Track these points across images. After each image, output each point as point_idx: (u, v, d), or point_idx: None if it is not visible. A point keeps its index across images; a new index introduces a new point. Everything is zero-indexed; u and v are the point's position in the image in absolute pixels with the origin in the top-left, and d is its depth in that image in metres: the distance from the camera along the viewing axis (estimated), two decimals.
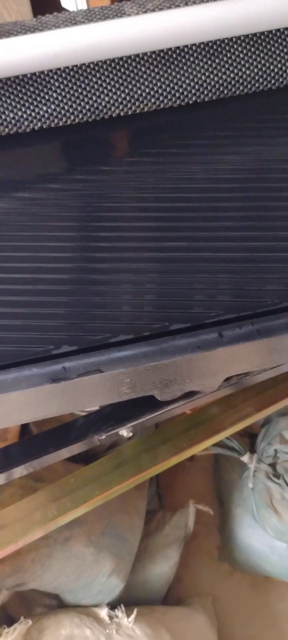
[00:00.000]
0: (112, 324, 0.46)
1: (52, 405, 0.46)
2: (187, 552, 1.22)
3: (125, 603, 1.06)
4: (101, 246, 0.51)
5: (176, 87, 0.61)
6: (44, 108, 0.61)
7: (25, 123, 0.61)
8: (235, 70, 0.61)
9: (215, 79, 0.61)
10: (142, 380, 0.46)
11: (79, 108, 0.61)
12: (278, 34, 0.60)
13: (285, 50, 0.61)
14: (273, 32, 0.59)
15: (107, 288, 0.48)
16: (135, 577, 1.12)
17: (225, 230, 0.51)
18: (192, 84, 0.61)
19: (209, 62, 0.61)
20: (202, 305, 0.46)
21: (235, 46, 0.61)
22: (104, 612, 1.02)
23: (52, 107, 0.61)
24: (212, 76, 0.61)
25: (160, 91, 0.61)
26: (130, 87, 0.61)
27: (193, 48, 0.60)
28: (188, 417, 0.85)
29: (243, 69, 0.61)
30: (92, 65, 0.60)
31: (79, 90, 0.61)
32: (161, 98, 0.62)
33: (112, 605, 1.05)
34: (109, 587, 1.03)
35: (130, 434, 0.68)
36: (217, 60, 0.61)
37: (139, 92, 0.61)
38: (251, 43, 0.61)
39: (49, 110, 0.61)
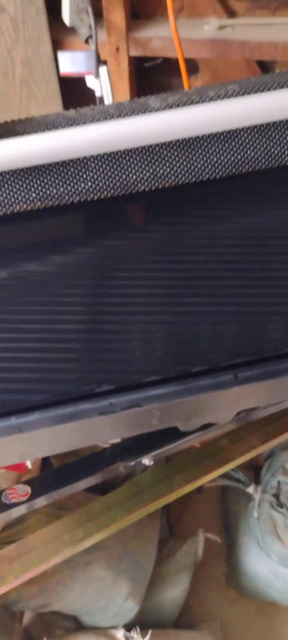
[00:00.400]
0: (142, 367, 0.57)
1: (94, 435, 0.56)
2: (195, 579, 1.29)
3: (139, 626, 1.13)
4: (119, 300, 0.62)
5: (193, 167, 0.73)
6: (83, 185, 0.73)
7: (66, 197, 0.73)
8: (242, 152, 0.73)
9: (226, 159, 0.73)
10: (169, 413, 0.56)
11: (111, 184, 0.73)
12: (276, 124, 0.72)
13: (283, 135, 0.73)
14: (272, 123, 0.71)
15: (137, 336, 0.59)
16: (148, 602, 1.19)
17: (234, 288, 0.62)
18: (205, 164, 0.73)
19: (220, 146, 0.73)
20: (218, 351, 0.57)
21: (242, 133, 0.73)
22: (120, 634, 1.09)
23: (89, 184, 0.73)
24: (223, 157, 0.73)
25: (179, 170, 0.73)
26: (154, 167, 0.73)
27: (207, 135, 0.72)
28: (200, 448, 0.95)
29: (249, 151, 0.73)
30: (123, 150, 0.72)
31: (112, 170, 0.73)
32: (179, 176, 0.74)
33: (127, 628, 1.12)
34: (125, 609, 1.11)
35: (152, 462, 0.78)
36: (227, 145, 0.73)
37: (161, 171, 0.73)
38: (255, 130, 0.73)
39: (86, 187, 0.73)
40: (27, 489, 0.73)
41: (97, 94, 1.07)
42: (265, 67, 1.22)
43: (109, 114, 0.72)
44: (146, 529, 1.23)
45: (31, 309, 0.62)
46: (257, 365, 0.52)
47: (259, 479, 1.32)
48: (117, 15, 1.08)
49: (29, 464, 0.84)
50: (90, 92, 1.10)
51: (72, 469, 0.80)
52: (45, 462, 1.18)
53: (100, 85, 1.05)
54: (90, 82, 1.08)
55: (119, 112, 0.72)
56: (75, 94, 1.25)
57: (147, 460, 0.76)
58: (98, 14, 1.12)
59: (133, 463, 0.68)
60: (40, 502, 0.79)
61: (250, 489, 1.30)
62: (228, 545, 1.39)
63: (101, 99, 1.08)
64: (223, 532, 1.42)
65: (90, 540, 0.87)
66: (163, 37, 1.10)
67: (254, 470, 1.39)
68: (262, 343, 0.57)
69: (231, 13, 1.13)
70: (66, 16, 1.04)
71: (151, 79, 1.28)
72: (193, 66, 1.24)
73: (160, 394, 0.52)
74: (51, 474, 0.80)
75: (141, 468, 0.99)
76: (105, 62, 1.15)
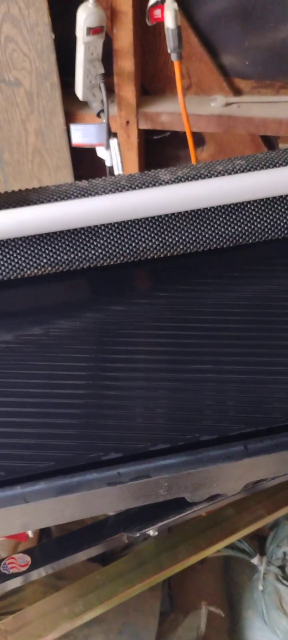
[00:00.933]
0: (150, 434, 0.56)
1: (99, 506, 0.55)
2: None
3: None
4: (126, 366, 0.62)
5: (200, 237, 0.75)
6: (93, 252, 0.74)
7: (77, 263, 0.74)
8: (249, 224, 0.75)
9: (233, 230, 0.75)
10: (177, 484, 0.56)
11: (120, 252, 0.75)
12: (282, 197, 0.75)
13: (284, 210, 0.76)
14: (278, 196, 0.74)
15: (144, 403, 0.59)
16: None
17: (242, 356, 0.63)
18: (213, 234, 0.75)
19: (228, 218, 0.75)
20: (226, 420, 0.57)
21: (249, 205, 0.75)
22: None
23: (99, 251, 0.74)
24: (230, 228, 0.75)
25: (187, 240, 0.75)
26: (163, 236, 0.75)
27: (215, 207, 0.75)
28: (204, 518, 0.93)
29: (256, 223, 0.75)
30: (132, 220, 0.74)
31: (122, 238, 0.74)
32: (188, 245, 0.75)
33: None
34: None
35: (156, 533, 0.76)
36: (233, 216, 0.75)
37: (169, 240, 0.75)
38: (261, 203, 0.75)
39: (96, 254, 0.74)
40: (27, 559, 0.71)
41: (108, 163, 1.12)
42: (269, 141, 1.27)
43: (120, 186, 0.75)
44: (147, 600, 1.18)
45: (36, 373, 0.62)
46: (267, 437, 0.51)
47: (264, 550, 1.28)
48: (128, 91, 1.14)
49: (30, 532, 0.82)
50: (100, 161, 1.14)
51: (74, 538, 0.78)
52: (44, 529, 1.15)
53: (110, 156, 1.09)
54: (101, 152, 1.13)
55: (130, 184, 0.75)
56: (85, 162, 1.29)
57: (151, 531, 0.75)
58: (109, 89, 1.17)
59: (137, 534, 0.66)
60: (40, 572, 0.77)
61: (255, 560, 1.26)
62: (231, 619, 1.34)
63: (111, 169, 1.12)
64: (227, 605, 1.37)
65: (91, 614, 0.84)
66: (171, 112, 1.16)
67: (259, 540, 1.35)
68: (271, 412, 0.56)
69: (237, 91, 1.19)
70: (79, 91, 1.09)
71: (159, 151, 1.33)
72: (199, 139, 1.29)
73: (169, 464, 0.51)
74: (52, 544, 0.78)
75: (145, 537, 0.97)
76: (115, 134, 1.20)
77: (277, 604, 1.16)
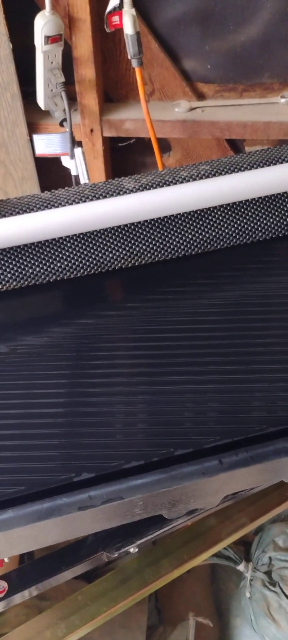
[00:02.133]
0: (123, 451, 0.54)
1: (72, 530, 0.53)
2: None
3: None
4: (101, 382, 0.60)
5: (168, 245, 0.74)
6: (58, 264, 0.72)
7: (42, 277, 0.72)
8: (216, 230, 0.74)
9: (200, 237, 0.74)
10: (153, 502, 0.54)
11: (87, 263, 0.73)
12: (248, 202, 0.74)
13: (255, 213, 0.75)
14: (245, 201, 0.73)
15: (115, 419, 0.57)
16: None
17: (215, 365, 0.61)
18: (180, 241, 0.74)
19: (194, 224, 0.74)
20: (200, 432, 0.55)
21: (215, 211, 0.74)
22: None
23: (65, 263, 0.72)
24: (197, 235, 0.74)
25: (154, 248, 0.74)
26: (129, 245, 0.73)
27: (181, 214, 0.73)
28: (187, 529, 0.91)
29: (223, 228, 0.74)
30: (98, 230, 0.72)
31: (87, 250, 0.72)
32: (155, 253, 0.74)
33: None
34: None
35: (137, 550, 0.74)
36: (200, 222, 0.74)
37: (137, 249, 0.73)
38: (228, 208, 0.74)
39: (62, 266, 0.72)
40: (4, 585, 0.68)
41: (73, 173, 1.09)
42: (234, 144, 1.27)
43: (83, 196, 0.73)
44: (133, 616, 1.16)
45: (2, 393, 0.60)
46: (242, 449, 0.50)
47: (249, 556, 1.27)
48: (90, 99, 1.12)
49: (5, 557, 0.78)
50: (67, 170, 1.12)
51: (52, 560, 0.75)
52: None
53: (75, 165, 1.07)
54: (66, 162, 1.11)
55: (93, 193, 0.73)
56: (52, 172, 1.27)
57: (131, 549, 0.73)
58: (72, 98, 1.15)
59: (116, 554, 0.64)
60: (19, 598, 0.74)
61: (241, 567, 1.25)
62: (220, 628, 1.32)
63: (77, 178, 1.10)
64: (215, 613, 1.35)
65: (74, 636, 0.81)
66: (135, 119, 1.14)
67: (244, 546, 1.34)
68: (246, 421, 0.55)
69: (200, 95, 1.18)
70: (41, 101, 1.07)
71: (125, 158, 1.31)
72: (165, 145, 1.28)
73: (142, 483, 0.49)
74: (29, 567, 0.75)
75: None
76: (80, 143, 1.19)
77: (265, 611, 1.15)
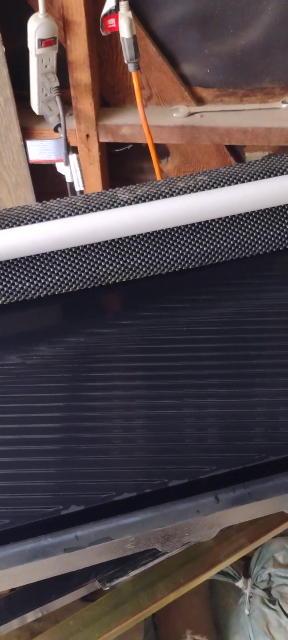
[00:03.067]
0: (114, 481, 0.51)
1: (59, 567, 0.50)
2: None
3: None
4: (97, 406, 0.57)
5: (164, 259, 0.71)
6: (49, 279, 0.69)
7: (32, 292, 0.69)
8: (214, 243, 0.71)
9: (197, 250, 0.71)
10: (145, 537, 0.50)
11: (79, 278, 0.69)
12: (248, 214, 0.71)
13: (255, 226, 0.72)
14: (244, 213, 0.70)
15: (108, 446, 0.53)
16: None
17: (212, 387, 0.58)
18: (177, 255, 0.71)
19: (191, 237, 0.71)
20: (196, 461, 0.52)
21: (213, 224, 0.71)
22: None
23: (56, 277, 0.69)
24: (194, 248, 0.71)
25: (149, 262, 0.70)
26: (124, 259, 0.70)
27: (176, 228, 0.70)
28: (184, 551, 0.88)
29: (222, 242, 0.71)
30: (91, 243, 0.69)
31: (80, 264, 0.69)
32: (150, 267, 0.71)
33: None
34: None
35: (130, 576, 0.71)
36: (198, 236, 0.71)
37: (131, 263, 0.70)
38: (227, 221, 0.71)
39: (53, 281, 0.69)
40: None
41: (68, 179, 1.06)
42: (235, 151, 1.24)
43: (76, 207, 0.70)
44: (129, 634, 1.13)
45: None
46: (240, 485, 0.47)
47: (249, 571, 1.23)
48: (86, 104, 1.09)
49: None
50: (61, 177, 1.09)
51: (42, 588, 0.72)
52: None
53: (70, 171, 1.04)
54: (61, 168, 1.08)
55: (86, 205, 0.70)
56: (47, 178, 1.24)
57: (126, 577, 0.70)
58: (67, 102, 1.12)
59: (107, 587, 0.61)
60: (7, 627, 0.70)
61: (240, 583, 1.22)
62: None
63: (72, 185, 1.07)
64: (214, 629, 1.32)
65: None
66: (132, 124, 1.11)
67: (243, 561, 1.31)
68: (245, 450, 0.52)
69: (199, 100, 1.15)
70: (35, 105, 1.04)
71: (123, 163, 1.28)
72: (164, 150, 1.25)
73: (132, 522, 0.46)
74: (19, 596, 0.72)
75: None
76: (75, 148, 1.15)
77: (263, 629, 1.12)
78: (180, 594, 0.86)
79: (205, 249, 0.71)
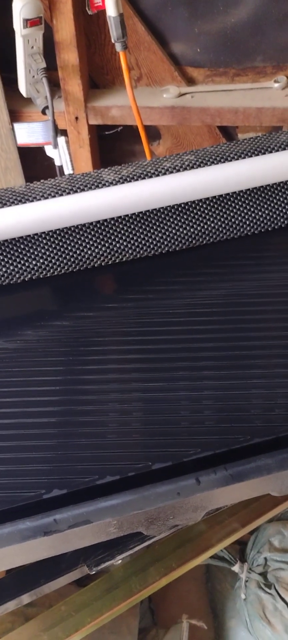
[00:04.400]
0: (98, 465, 0.50)
1: (42, 551, 0.49)
2: None
3: None
4: (86, 389, 0.56)
5: (150, 240, 0.69)
6: (34, 262, 0.68)
7: (17, 275, 0.68)
8: (202, 224, 0.70)
9: (184, 232, 0.70)
10: (128, 521, 0.50)
11: (64, 261, 0.68)
12: (236, 194, 0.69)
13: (243, 205, 0.70)
14: (232, 193, 0.69)
15: (92, 429, 0.53)
16: None
17: (197, 370, 0.57)
18: (163, 237, 0.70)
19: (178, 219, 0.69)
20: (180, 444, 0.51)
21: (200, 204, 0.70)
22: None
23: (41, 261, 0.68)
24: (181, 230, 0.69)
25: (136, 244, 0.69)
26: (109, 242, 0.69)
27: (163, 207, 0.69)
28: (176, 535, 0.87)
29: (209, 223, 0.70)
30: (75, 225, 0.68)
31: (64, 246, 0.68)
32: (137, 250, 0.69)
33: None
34: None
35: (120, 561, 0.71)
36: (184, 217, 0.70)
37: (117, 245, 0.69)
38: (214, 201, 0.70)
39: (38, 264, 0.68)
40: None
41: (57, 163, 1.05)
42: (227, 132, 1.22)
43: (60, 189, 0.68)
44: (124, 619, 1.12)
45: None
46: (221, 467, 0.46)
47: (245, 556, 1.23)
48: (74, 85, 1.07)
49: None
50: (51, 160, 1.07)
51: (31, 573, 0.72)
52: None
53: (59, 155, 1.02)
54: (50, 151, 1.06)
55: (70, 186, 0.68)
56: (38, 162, 1.22)
57: (113, 562, 0.69)
58: (56, 84, 1.10)
59: (94, 571, 0.60)
60: None
61: (236, 568, 1.21)
62: (215, 629, 1.29)
63: (61, 168, 1.05)
64: (211, 614, 1.32)
65: None
66: (122, 106, 1.09)
67: (239, 545, 1.30)
68: (229, 433, 0.51)
69: (190, 80, 1.13)
70: (22, 87, 1.02)
71: (113, 146, 1.27)
72: (155, 133, 1.23)
73: (111, 505, 0.45)
74: (7, 580, 0.72)
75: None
76: (64, 131, 1.14)
77: (260, 614, 1.11)
78: (172, 579, 0.86)
79: (192, 230, 0.70)
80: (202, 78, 1.13)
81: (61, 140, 1.00)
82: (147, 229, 0.69)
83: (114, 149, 1.26)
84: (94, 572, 0.64)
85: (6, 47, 1.03)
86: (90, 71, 1.13)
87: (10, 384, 0.58)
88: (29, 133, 1.03)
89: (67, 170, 1.02)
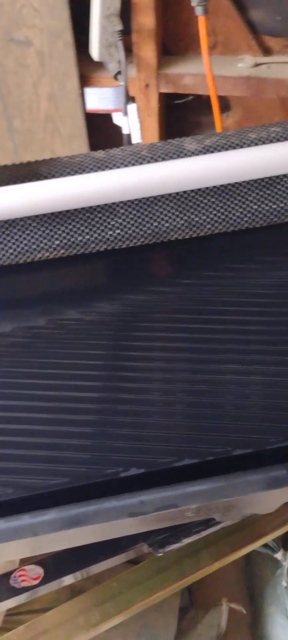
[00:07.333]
0: (176, 446, 0.49)
1: (124, 528, 0.48)
2: None
3: None
4: (152, 377, 0.54)
5: (230, 215, 0.66)
6: (110, 232, 0.66)
7: (92, 245, 0.66)
8: (286, 200, 0.66)
9: (267, 207, 0.66)
10: (207, 507, 0.48)
11: (141, 232, 0.66)
12: None
13: None
14: None
15: (171, 409, 0.51)
16: None
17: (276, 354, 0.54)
18: (244, 212, 0.66)
19: (261, 194, 0.66)
20: (263, 430, 0.49)
21: (285, 179, 0.66)
22: None
23: (118, 231, 0.66)
24: (263, 205, 0.66)
25: (215, 219, 0.66)
26: (188, 215, 0.66)
27: (245, 182, 0.65)
28: None
29: None
30: (154, 196, 0.65)
31: (142, 217, 0.66)
32: (216, 225, 0.66)
33: None
34: None
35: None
36: (268, 192, 0.66)
37: (196, 219, 0.66)
38: None
39: (114, 234, 0.66)
40: (40, 571, 0.65)
41: (125, 131, 1.02)
42: None
43: (140, 157, 0.66)
44: (166, 599, 1.13)
45: (46, 372, 0.55)
46: None
47: None
48: (148, 51, 1.03)
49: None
50: (117, 129, 1.04)
51: (90, 549, 0.71)
52: None
53: (128, 123, 0.99)
54: (118, 119, 1.03)
55: (151, 155, 0.66)
56: (101, 130, 1.20)
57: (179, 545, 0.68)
58: (128, 49, 1.07)
59: (161, 552, 0.59)
60: (54, 585, 0.70)
61: (279, 555, 1.19)
62: (252, 614, 1.28)
63: (129, 137, 1.02)
64: (248, 599, 1.31)
65: (107, 624, 0.78)
66: (195, 74, 1.05)
67: (283, 533, 1.28)
68: None
69: (266, 50, 1.08)
70: (95, 50, 0.99)
71: (180, 117, 1.22)
72: (224, 104, 1.18)
73: (198, 491, 0.43)
74: (67, 554, 0.71)
75: None
76: (133, 99, 1.10)
77: None
78: (225, 564, 0.84)
79: (275, 206, 0.66)
80: (279, 48, 1.07)
81: (132, 107, 0.97)
82: (228, 203, 0.66)
83: (180, 121, 1.22)
84: (160, 554, 0.63)
85: (78, 8, 1.00)
86: (164, 37, 1.09)
87: (78, 356, 0.56)
88: (100, 99, 1.00)
89: (136, 140, 0.99)
